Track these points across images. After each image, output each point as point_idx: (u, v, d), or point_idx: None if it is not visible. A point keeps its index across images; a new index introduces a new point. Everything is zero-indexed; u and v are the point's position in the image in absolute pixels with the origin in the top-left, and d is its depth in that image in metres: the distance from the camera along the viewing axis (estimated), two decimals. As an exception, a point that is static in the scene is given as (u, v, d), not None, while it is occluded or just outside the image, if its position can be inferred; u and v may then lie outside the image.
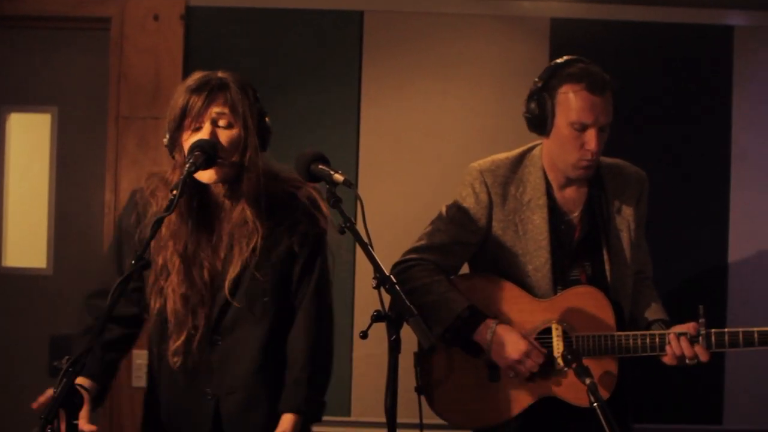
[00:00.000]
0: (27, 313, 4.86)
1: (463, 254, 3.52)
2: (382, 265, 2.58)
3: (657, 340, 3.32)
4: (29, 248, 4.91)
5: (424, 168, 4.57)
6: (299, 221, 2.96)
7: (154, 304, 2.90)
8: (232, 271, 2.88)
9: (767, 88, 4.62)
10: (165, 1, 4.68)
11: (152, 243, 2.79)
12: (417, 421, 2.85)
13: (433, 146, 4.61)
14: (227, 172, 2.86)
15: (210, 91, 2.84)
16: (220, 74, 2.90)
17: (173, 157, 2.94)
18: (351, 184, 2.67)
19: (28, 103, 4.90)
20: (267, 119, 2.98)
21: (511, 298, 3.41)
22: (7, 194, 4.97)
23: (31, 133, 4.92)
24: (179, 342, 2.87)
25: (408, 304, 2.51)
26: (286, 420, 2.89)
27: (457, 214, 3.48)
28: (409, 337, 2.73)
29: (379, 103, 4.65)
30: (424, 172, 4.56)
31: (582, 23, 4.62)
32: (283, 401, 2.93)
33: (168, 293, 2.87)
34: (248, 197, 2.89)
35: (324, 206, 2.96)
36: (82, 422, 2.69)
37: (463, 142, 4.53)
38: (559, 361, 3.31)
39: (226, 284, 2.87)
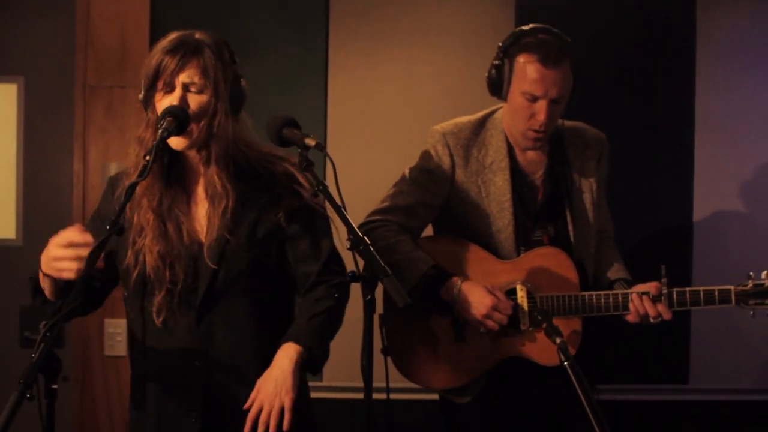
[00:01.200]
0: (-3, 284, 4.85)
1: (426, 216, 3.56)
2: (355, 227, 2.62)
3: (620, 299, 3.37)
4: (-2, 219, 4.89)
5: (392, 133, 4.59)
6: (282, 196, 2.93)
7: (134, 265, 2.87)
8: (210, 236, 2.87)
9: (729, 48, 4.66)
10: (131, -32, 4.67)
11: (128, 207, 2.83)
12: (384, 384, 2.89)
13: (401, 111, 4.62)
14: (196, 138, 2.85)
15: (184, 54, 2.81)
16: (197, 35, 2.87)
17: (147, 114, 2.92)
18: (323, 147, 2.70)
19: (-6, 73, 4.87)
20: (243, 82, 2.95)
21: (475, 260, 3.44)
22: (-26, 166, 4.95)
23: (-2, 103, 4.89)
24: (160, 297, 2.85)
25: (382, 264, 2.54)
26: (286, 349, 2.78)
27: (419, 176, 3.51)
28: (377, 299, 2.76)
29: (346, 69, 4.65)
30: (392, 137, 4.57)
31: (547, -10, 4.65)
32: (291, 332, 2.83)
33: (146, 250, 2.85)
34: (217, 162, 2.87)
35: (303, 180, 2.90)
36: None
37: (430, 106, 4.55)
38: (525, 322, 3.36)
39: (205, 250, 2.86)
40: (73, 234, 2.54)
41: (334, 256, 2.98)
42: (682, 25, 4.65)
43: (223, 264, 2.87)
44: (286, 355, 2.77)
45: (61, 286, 2.71)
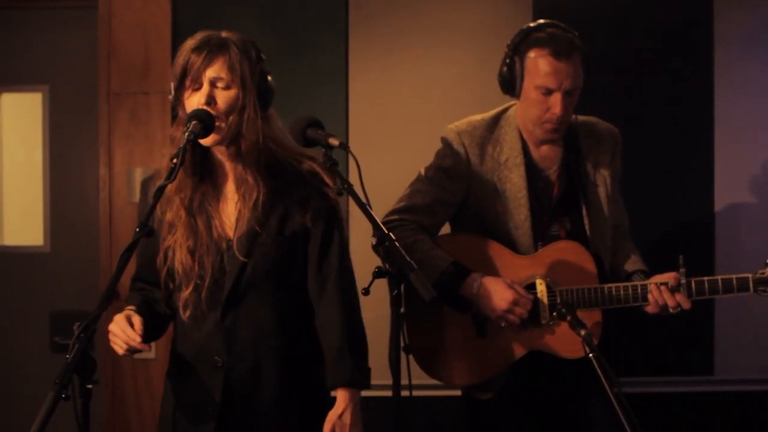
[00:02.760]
0: (26, 291, 4.91)
1: (443, 214, 3.58)
2: (380, 224, 2.65)
3: (640, 290, 3.38)
4: (26, 226, 4.95)
5: (412, 132, 4.61)
6: (310, 196, 2.95)
7: (164, 262, 2.92)
8: (240, 230, 2.90)
9: (746, 45, 4.67)
10: (151, -23, 4.73)
11: (158, 207, 2.88)
12: (407, 382, 2.92)
13: (421, 111, 4.65)
14: (226, 134, 2.88)
15: (209, 51, 2.85)
16: (222, 34, 2.91)
17: (177, 113, 2.97)
18: (346, 146, 2.74)
19: (19, 83, 4.93)
20: (269, 78, 2.98)
21: (494, 256, 3.46)
22: (2, 174, 5.01)
23: (24, 113, 4.96)
24: (187, 293, 2.89)
25: (408, 259, 2.58)
26: (343, 396, 2.89)
27: (436, 174, 3.54)
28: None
29: (366, 71, 4.69)
30: (413, 136, 4.60)
31: (564, -15, 4.67)
32: (333, 376, 2.92)
33: (176, 246, 2.89)
34: (247, 157, 2.90)
35: (329, 180, 2.94)
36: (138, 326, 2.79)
37: (450, 106, 4.57)
38: (546, 315, 3.39)
39: (235, 243, 2.89)
40: (133, 322, 2.80)
41: (348, 257, 3.04)
42: (700, 20, 4.66)
43: (252, 257, 2.90)
44: (343, 397, 2.90)
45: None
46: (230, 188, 2.97)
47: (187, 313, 2.91)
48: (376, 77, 4.69)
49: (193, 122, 2.78)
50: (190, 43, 2.90)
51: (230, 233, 2.93)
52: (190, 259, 2.89)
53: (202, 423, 2.93)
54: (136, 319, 2.80)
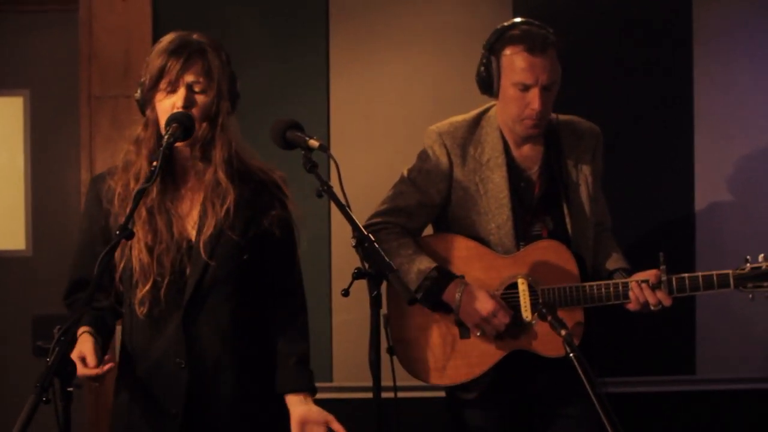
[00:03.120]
0: (8, 295, 4.90)
1: (426, 215, 3.60)
2: (360, 225, 2.66)
3: (621, 288, 3.40)
4: (7, 230, 4.94)
5: (394, 133, 4.62)
6: (273, 205, 3.01)
7: (121, 259, 2.90)
8: (207, 231, 2.91)
9: (726, 40, 4.69)
10: (132, -20, 4.72)
11: (117, 203, 2.90)
12: (391, 383, 2.93)
13: (402, 113, 4.65)
14: (200, 137, 2.91)
15: (188, 55, 2.88)
16: (196, 37, 2.94)
17: (143, 113, 2.97)
18: (326, 148, 2.75)
19: (0, 87, 4.91)
20: (237, 83, 3.02)
21: (476, 256, 3.48)
22: (-16, 178, 5.01)
23: (4, 117, 4.94)
24: (145, 290, 2.87)
25: (387, 260, 2.59)
26: (308, 399, 2.99)
27: (418, 176, 3.56)
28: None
29: (347, 72, 4.69)
30: (394, 137, 4.60)
31: (543, -11, 4.69)
32: (294, 382, 3.00)
33: (134, 244, 2.88)
34: (220, 160, 2.92)
35: (288, 192, 3.06)
36: (91, 359, 2.77)
37: (431, 107, 4.57)
38: (527, 314, 3.40)
39: (201, 244, 2.90)
40: (85, 358, 2.77)
41: (299, 271, 3.14)
42: (679, 19, 4.68)
43: (215, 259, 2.92)
44: (306, 401, 2.99)
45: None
46: (192, 188, 2.98)
47: (143, 310, 2.89)
48: (357, 79, 4.69)
49: (174, 125, 2.79)
50: (164, 45, 2.91)
51: (192, 233, 2.94)
52: (148, 257, 2.88)
53: (164, 424, 2.93)
54: (89, 354, 2.78)
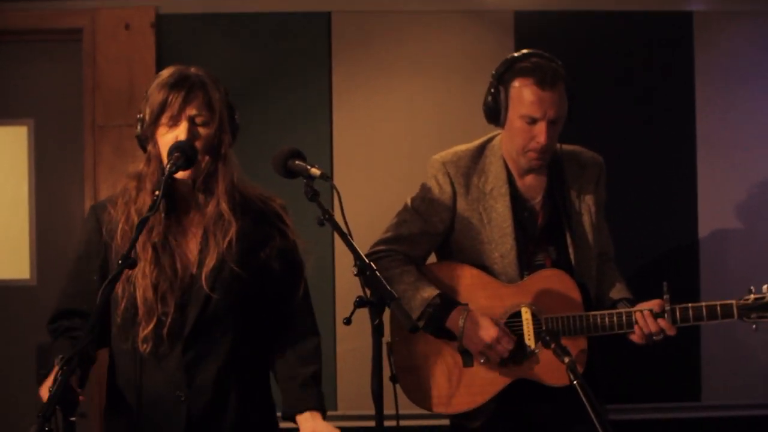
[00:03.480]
0: (13, 324, 4.89)
1: (429, 244, 3.60)
2: (361, 254, 2.66)
3: (624, 317, 3.40)
4: (12, 259, 4.94)
5: (397, 163, 4.64)
6: (272, 236, 3.02)
7: (123, 295, 2.88)
8: (209, 263, 2.90)
9: (727, 71, 4.71)
10: (135, 10, 4.74)
11: (120, 236, 2.89)
12: (394, 411, 2.92)
13: (405, 141, 4.67)
14: (203, 169, 2.91)
15: (189, 89, 2.87)
16: (193, 70, 2.93)
17: (144, 150, 2.97)
18: (328, 177, 2.75)
19: (5, 116, 4.93)
20: (236, 116, 3.03)
21: (480, 284, 3.48)
22: (-13, 207, 5.01)
23: (9, 146, 4.95)
24: (149, 329, 2.86)
25: (389, 288, 2.58)
26: (315, 416, 2.96)
27: (422, 205, 3.57)
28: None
29: (350, 102, 4.71)
30: (397, 167, 4.62)
31: (545, 15, 4.70)
32: (302, 402, 2.98)
33: (138, 281, 2.86)
34: (222, 192, 2.93)
35: (289, 221, 3.06)
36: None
37: (434, 135, 4.59)
38: (530, 343, 3.40)
39: (203, 276, 2.89)
40: None
41: (308, 296, 3.11)
42: (681, 45, 4.70)
43: (216, 291, 2.91)
44: (314, 418, 2.96)
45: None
46: (193, 222, 2.98)
47: (146, 347, 2.88)
48: (360, 107, 4.71)
49: (176, 154, 2.79)
50: (164, 79, 2.91)
51: (193, 268, 2.93)
52: (152, 295, 2.87)
53: None
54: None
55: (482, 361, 3.43)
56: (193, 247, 2.96)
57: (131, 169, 3.02)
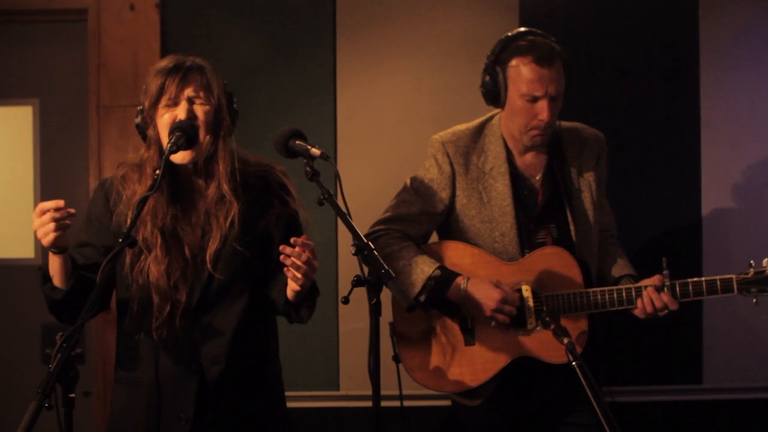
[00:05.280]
0: (18, 303, 4.91)
1: (429, 224, 3.62)
2: (360, 233, 2.68)
3: (624, 294, 3.41)
4: (17, 238, 4.95)
5: (401, 144, 4.63)
6: (272, 203, 3.06)
7: (135, 283, 2.94)
8: (212, 245, 2.95)
9: (732, 52, 4.70)
10: (140, -10, 4.75)
11: (122, 207, 2.95)
12: (397, 391, 2.94)
13: (409, 122, 4.67)
14: (204, 150, 2.95)
15: (186, 71, 2.93)
16: (191, 58, 3.00)
17: (145, 136, 3.01)
18: (328, 157, 2.77)
19: (9, 96, 4.94)
20: (234, 102, 3.07)
21: (480, 263, 3.50)
22: (-8, 187, 5.02)
23: (13, 126, 4.96)
24: (163, 317, 2.92)
25: (386, 267, 2.60)
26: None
27: (421, 185, 3.58)
28: (386, 307, 2.83)
29: (354, 82, 4.71)
30: (401, 147, 4.62)
31: (550, -4, 4.70)
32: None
33: (151, 269, 2.92)
34: (223, 174, 2.97)
35: (292, 188, 3.08)
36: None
37: (438, 116, 4.59)
38: (531, 321, 3.41)
39: (208, 258, 2.94)
40: (42, 204, 2.71)
41: None
42: (685, 27, 4.69)
43: (225, 268, 2.96)
44: None
45: (70, 270, 2.88)
46: (196, 208, 3.02)
47: (162, 334, 2.94)
48: (364, 87, 4.71)
49: (177, 134, 2.81)
50: (161, 66, 2.97)
51: (200, 251, 2.97)
52: (166, 283, 2.93)
53: (177, 428, 2.97)
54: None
55: (492, 325, 3.43)
56: (198, 233, 3.00)
57: (130, 157, 3.07)
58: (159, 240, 2.93)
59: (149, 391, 2.99)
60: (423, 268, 3.43)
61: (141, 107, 2.99)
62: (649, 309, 3.39)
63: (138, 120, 3.01)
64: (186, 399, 2.96)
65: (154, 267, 2.92)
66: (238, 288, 3.00)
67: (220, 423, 2.99)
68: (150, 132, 2.98)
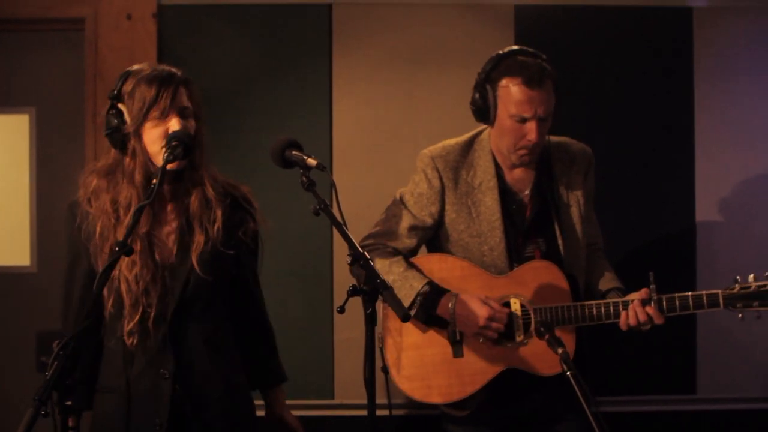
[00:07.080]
0: (13, 311, 4.91)
1: (418, 238, 3.64)
2: (356, 243, 2.69)
3: (611, 308, 3.43)
4: (13, 247, 4.95)
5: (397, 155, 4.63)
6: (245, 219, 3.13)
7: (108, 289, 2.94)
8: (196, 249, 2.99)
9: (726, 66, 4.71)
10: (137, 0, 4.75)
11: (100, 232, 2.97)
12: (386, 401, 2.95)
13: (405, 133, 4.67)
14: (197, 161, 3.03)
15: (177, 83, 2.97)
16: (171, 68, 3.04)
17: (117, 146, 3.00)
18: (324, 167, 2.78)
19: (6, 104, 4.95)
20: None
21: (469, 276, 3.52)
22: (-11, 195, 5.03)
23: (10, 134, 4.97)
24: (134, 322, 2.94)
25: (382, 278, 2.62)
26: (281, 391, 3.33)
27: (411, 199, 3.60)
28: (380, 317, 2.84)
29: (350, 94, 4.72)
30: (397, 159, 4.62)
31: (545, 9, 4.69)
32: (272, 375, 3.32)
33: (122, 274, 2.93)
34: (208, 180, 3.04)
35: (257, 205, 3.19)
36: None
37: (433, 129, 4.58)
38: (520, 334, 3.43)
39: (194, 259, 2.98)
40: None
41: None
42: (680, 39, 4.71)
43: (209, 271, 3.01)
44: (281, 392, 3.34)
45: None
46: (169, 213, 3.06)
47: (133, 340, 2.96)
48: (360, 99, 4.72)
49: (174, 143, 2.83)
50: (150, 74, 2.98)
51: (172, 258, 3.02)
52: (136, 288, 2.94)
53: None
54: None
55: (480, 341, 3.45)
56: (170, 238, 3.04)
57: (99, 165, 3.09)
58: (138, 244, 2.94)
59: (121, 398, 3.01)
60: (412, 284, 3.46)
61: (118, 111, 2.98)
62: (632, 322, 3.40)
63: (111, 129, 2.98)
64: (159, 404, 2.98)
65: (126, 271, 2.94)
66: (214, 291, 3.06)
67: (195, 428, 3.02)
68: (133, 143, 2.97)
